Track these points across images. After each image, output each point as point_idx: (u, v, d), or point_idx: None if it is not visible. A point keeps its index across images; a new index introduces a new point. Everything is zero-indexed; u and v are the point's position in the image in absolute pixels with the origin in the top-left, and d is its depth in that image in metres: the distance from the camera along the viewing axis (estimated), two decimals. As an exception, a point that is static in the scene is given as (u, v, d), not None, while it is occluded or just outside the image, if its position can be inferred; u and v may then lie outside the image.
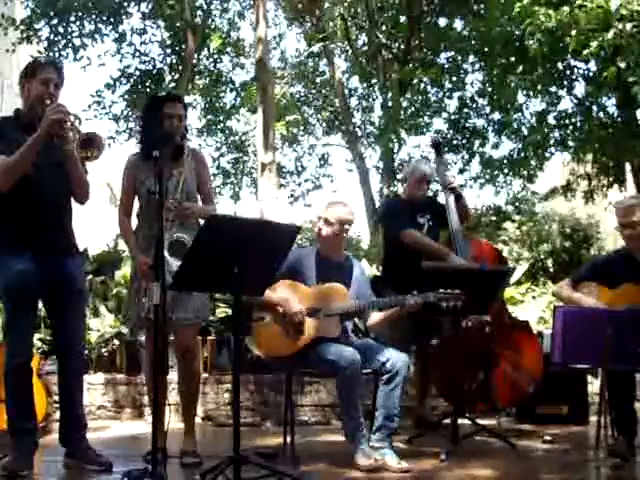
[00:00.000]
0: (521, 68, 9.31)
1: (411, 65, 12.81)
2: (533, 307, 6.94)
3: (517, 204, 13.37)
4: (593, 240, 10.19)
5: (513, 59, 9.46)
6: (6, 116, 3.67)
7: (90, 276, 6.30)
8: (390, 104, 13.16)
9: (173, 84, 14.03)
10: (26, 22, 13.05)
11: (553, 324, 3.88)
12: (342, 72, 17.00)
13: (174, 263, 3.39)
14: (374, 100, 17.07)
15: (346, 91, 16.96)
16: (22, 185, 3.34)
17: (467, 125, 11.95)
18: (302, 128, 18.07)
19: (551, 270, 9.56)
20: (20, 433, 3.41)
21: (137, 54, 14.48)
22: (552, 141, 10.46)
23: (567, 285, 4.13)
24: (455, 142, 12.10)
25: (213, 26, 15.32)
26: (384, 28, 15.38)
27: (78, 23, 13.22)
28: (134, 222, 3.87)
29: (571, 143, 10.34)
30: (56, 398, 4.23)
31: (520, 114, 10.88)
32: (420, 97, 11.70)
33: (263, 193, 10.83)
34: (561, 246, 9.89)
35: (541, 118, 10.33)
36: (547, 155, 11.03)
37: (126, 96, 14.57)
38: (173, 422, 3.47)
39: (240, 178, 17.63)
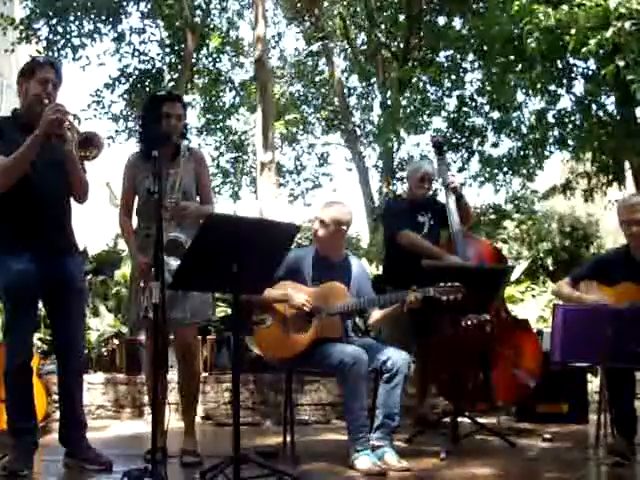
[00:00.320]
0: (520, 67, 9.30)
1: (410, 64, 12.80)
2: (533, 305, 6.96)
3: (517, 203, 13.35)
4: (592, 238, 10.20)
5: (512, 58, 9.45)
6: (4, 116, 3.66)
7: (90, 276, 6.30)
8: (389, 103, 13.15)
9: (172, 83, 14.00)
10: (25, 22, 13.03)
11: (553, 322, 3.89)
12: (341, 71, 17.00)
13: (170, 262, 3.38)
14: (373, 99, 17.08)
15: (345, 90, 16.95)
16: (21, 185, 3.34)
17: (466, 124, 11.92)
18: (301, 127, 18.05)
19: (551, 268, 9.57)
20: (20, 433, 3.41)
21: (136, 54, 14.47)
22: (551, 139, 10.45)
23: (567, 284, 4.13)
24: (454, 141, 12.09)
25: (212, 25, 15.31)
26: (383, 27, 15.37)
27: (77, 23, 13.20)
28: (135, 222, 3.88)
29: (570, 142, 10.32)
30: (56, 398, 4.23)
31: (519, 113, 10.88)
32: (419, 96, 11.66)
33: (262, 192, 10.83)
34: (561, 244, 9.90)
35: (540, 116, 10.32)
36: (546, 154, 11.01)
37: (125, 96, 14.56)
38: (173, 421, 3.48)
39: (239, 177, 17.62)
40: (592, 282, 4.01)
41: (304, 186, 18.31)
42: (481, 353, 4.46)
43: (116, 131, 14.73)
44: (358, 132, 16.98)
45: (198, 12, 14.53)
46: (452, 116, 11.91)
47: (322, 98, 18.07)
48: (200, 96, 16.16)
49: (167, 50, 14.66)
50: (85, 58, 13.57)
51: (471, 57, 11.25)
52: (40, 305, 3.64)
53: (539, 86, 9.55)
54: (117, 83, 14.46)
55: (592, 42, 7.73)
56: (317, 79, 17.74)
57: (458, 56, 11.46)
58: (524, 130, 10.78)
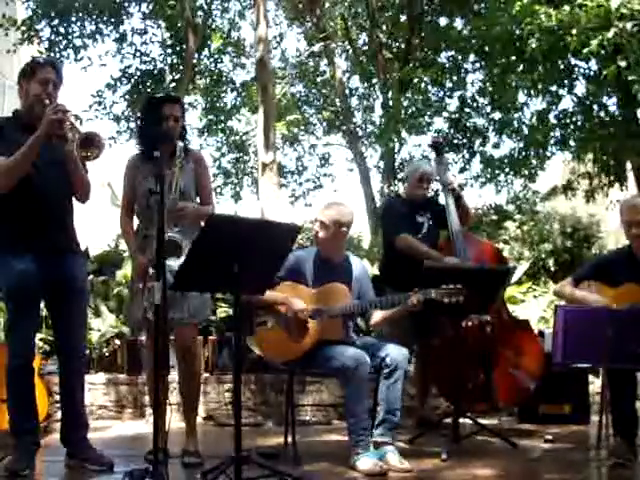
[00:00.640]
0: (521, 67, 9.30)
1: (411, 64, 12.79)
2: (534, 306, 6.93)
3: (518, 203, 13.33)
4: (594, 239, 10.17)
5: (514, 58, 9.45)
6: (5, 116, 3.67)
7: (91, 276, 6.30)
8: (391, 103, 13.13)
9: (174, 84, 14.03)
10: (27, 22, 13.07)
11: (554, 323, 3.87)
12: (343, 72, 16.99)
13: (168, 263, 3.38)
14: (375, 100, 17.09)
15: (347, 91, 16.96)
16: (23, 185, 3.35)
17: (468, 124, 11.93)
18: (303, 128, 18.08)
19: (552, 269, 9.55)
20: (21, 433, 3.41)
21: (138, 54, 14.51)
22: (553, 140, 10.45)
23: (569, 284, 4.12)
24: (456, 141, 12.09)
25: (214, 26, 15.34)
26: (384, 28, 15.38)
27: (79, 23, 13.25)
28: (136, 222, 3.88)
29: (572, 142, 10.31)
30: (57, 398, 4.23)
31: (521, 113, 10.87)
32: (421, 96, 11.67)
33: (264, 193, 10.83)
34: (562, 245, 9.87)
35: (542, 117, 10.32)
36: (548, 154, 11.02)
37: (127, 96, 14.59)
38: (174, 422, 3.48)
39: (241, 178, 17.63)
40: (594, 283, 4.01)
41: (305, 187, 18.36)
42: (482, 354, 4.46)
43: (117, 131, 14.80)
44: (359, 133, 16.99)
45: (200, 13, 14.56)
46: (453, 117, 11.92)
47: (323, 99, 18.09)
48: (202, 97, 16.19)
49: (169, 51, 14.69)
50: (87, 59, 13.65)
51: (472, 58, 11.25)
52: (42, 305, 3.64)
53: (540, 87, 9.56)
54: (119, 84, 14.50)
55: (594, 43, 7.74)
56: (318, 80, 17.75)
57: (459, 57, 11.46)
58: (525, 131, 10.77)
